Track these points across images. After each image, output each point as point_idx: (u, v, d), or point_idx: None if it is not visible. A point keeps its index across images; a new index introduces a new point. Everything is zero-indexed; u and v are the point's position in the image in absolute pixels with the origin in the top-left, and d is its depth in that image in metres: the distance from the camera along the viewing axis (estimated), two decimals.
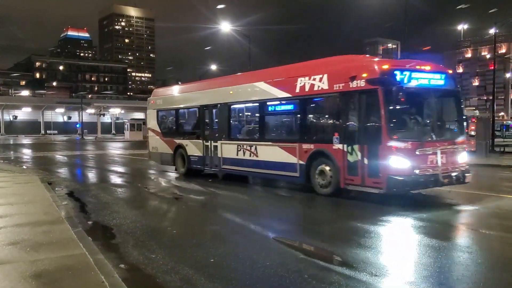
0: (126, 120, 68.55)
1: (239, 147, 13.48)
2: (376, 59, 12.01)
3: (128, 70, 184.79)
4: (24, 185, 12.49)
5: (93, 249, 6.02)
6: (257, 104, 13.16)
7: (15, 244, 6.17)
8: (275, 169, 12.19)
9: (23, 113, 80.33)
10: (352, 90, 10.09)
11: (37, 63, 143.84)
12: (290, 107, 12.49)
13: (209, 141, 14.78)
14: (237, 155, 13.51)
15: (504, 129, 49.06)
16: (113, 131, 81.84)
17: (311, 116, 11.94)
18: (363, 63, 10.77)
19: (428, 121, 10.26)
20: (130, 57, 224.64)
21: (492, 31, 37.64)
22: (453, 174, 9.84)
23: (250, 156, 13.03)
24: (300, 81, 11.48)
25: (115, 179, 16.25)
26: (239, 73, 14.73)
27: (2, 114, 74.66)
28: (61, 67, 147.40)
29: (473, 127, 30.41)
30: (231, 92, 14.04)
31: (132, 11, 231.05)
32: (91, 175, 18.30)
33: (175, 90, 18.13)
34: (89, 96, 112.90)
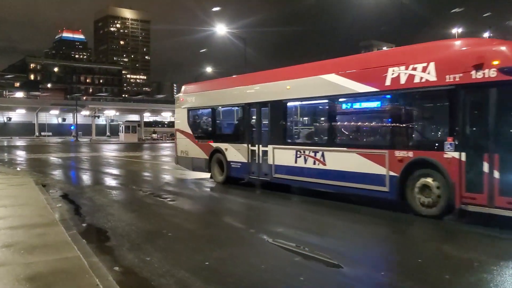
0: (121, 122, 68.31)
1: (298, 153, 11.31)
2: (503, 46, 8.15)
3: (123, 72, 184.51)
4: (18, 187, 12.41)
5: (88, 251, 5.98)
6: (326, 101, 10.96)
7: (9, 247, 6.12)
8: (351, 181, 9.96)
9: (17, 115, 79.93)
10: (475, 82, 7.91)
11: (31, 65, 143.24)
12: (375, 104, 10.10)
13: (257, 145, 12.78)
14: (295, 162, 11.37)
15: None
16: (108, 133, 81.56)
17: (409, 115, 9.55)
18: (491, 47, 8.17)
19: None
20: (125, 59, 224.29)
21: (486, 34, 37.88)
22: None
23: (314, 164, 10.88)
24: (392, 72, 9.25)
25: (110, 182, 16.17)
26: (297, 65, 12.43)
27: None
28: (55, 69, 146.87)
29: None
30: (288, 87, 11.75)
31: (127, 13, 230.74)
32: (86, 177, 18.20)
33: (211, 85, 15.94)
34: (84, 98, 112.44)
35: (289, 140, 11.99)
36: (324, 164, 10.67)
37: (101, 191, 13.08)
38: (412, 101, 9.40)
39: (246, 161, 13.03)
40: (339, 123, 10.88)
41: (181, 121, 16.19)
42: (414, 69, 8.90)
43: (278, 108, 12.06)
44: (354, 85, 10.03)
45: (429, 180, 8.61)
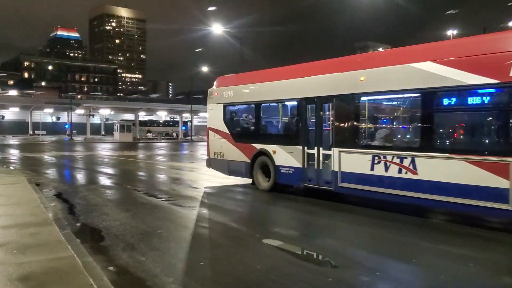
0: (116, 121, 68.03)
1: (376, 158, 9.39)
2: None
3: (118, 71, 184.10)
4: (11, 186, 12.29)
5: (82, 251, 5.92)
6: (418, 95, 8.93)
7: (1, 246, 6.05)
8: (454, 195, 8.13)
9: (11, 113, 79.35)
10: None
11: (25, 63, 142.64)
12: (494, 99, 8.15)
13: (315, 148, 10.93)
14: (371, 169, 9.47)
15: None
16: (103, 132, 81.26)
17: None
18: None
19: None
20: (121, 58, 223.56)
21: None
22: None
23: (399, 173, 8.92)
24: None
25: (105, 181, 16.06)
26: (374, 52, 9.92)
27: None
28: (50, 67, 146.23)
29: None
30: (361, 79, 9.79)
31: (123, 12, 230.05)
32: (80, 177, 18.08)
33: (255, 77, 13.64)
34: (79, 96, 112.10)
35: (362, 143, 10.01)
36: (415, 173, 8.68)
37: (95, 190, 12.98)
38: None
39: (300, 166, 11.25)
40: (439, 123, 8.83)
41: (215, 118, 14.30)
42: None
43: (347, 103, 10.20)
44: (462, 76, 8.14)
45: None
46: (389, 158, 9.19)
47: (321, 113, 10.98)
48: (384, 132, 9.92)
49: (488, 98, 8.17)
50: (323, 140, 10.85)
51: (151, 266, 5.75)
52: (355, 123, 10.10)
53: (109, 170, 20.17)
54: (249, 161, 12.86)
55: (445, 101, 8.62)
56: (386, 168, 9.21)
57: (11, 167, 20.10)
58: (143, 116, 79.89)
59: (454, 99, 8.56)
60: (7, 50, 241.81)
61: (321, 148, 10.83)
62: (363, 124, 10.24)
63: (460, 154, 8.13)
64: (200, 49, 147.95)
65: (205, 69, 69.40)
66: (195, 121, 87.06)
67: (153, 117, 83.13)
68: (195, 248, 6.71)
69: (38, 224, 7.40)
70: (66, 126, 73.86)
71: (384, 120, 10.55)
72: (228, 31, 35.76)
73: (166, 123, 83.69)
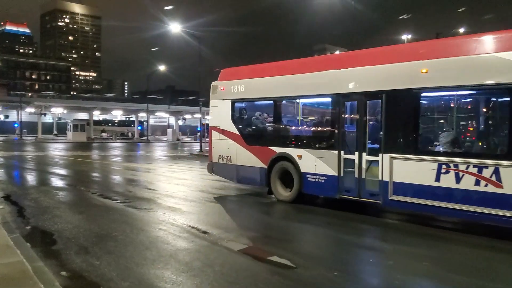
0: (69, 121, 65.86)
1: (443, 167, 7.83)
2: None
3: (71, 68, 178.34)
4: None
5: (32, 256, 5.70)
6: (506, 89, 7.33)
7: None
8: None
9: None
10: None
11: None
12: None
13: (357, 153, 9.29)
14: (436, 180, 7.91)
15: None
16: (55, 132, 78.44)
17: None
18: None
19: None
20: (74, 55, 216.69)
21: None
22: None
23: (477, 184, 7.43)
24: None
25: (57, 182, 15.50)
26: (439, 39, 8.42)
27: None
28: None
29: None
30: (423, 71, 8.20)
31: (77, 8, 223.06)
32: (31, 178, 17.37)
33: (273, 69, 11.58)
34: (29, 94, 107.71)
35: (424, 148, 8.48)
36: (499, 186, 7.21)
37: (47, 192, 12.51)
38: None
39: (335, 174, 9.64)
40: None
41: (221, 116, 12.45)
42: None
43: (403, 100, 8.56)
44: None
45: None
46: (462, 167, 7.62)
47: (365, 112, 9.27)
48: (454, 136, 8.31)
49: None
50: (367, 144, 9.24)
51: (106, 270, 5.61)
52: (414, 124, 8.39)
53: (62, 171, 19.49)
54: (265, 166, 11.14)
55: None
56: (458, 180, 7.67)
57: None
58: (97, 115, 77.81)
59: None
60: None
61: (364, 154, 9.14)
62: (425, 125, 8.77)
63: None
64: (156, 48, 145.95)
65: (162, 68, 68.51)
66: (152, 121, 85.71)
67: (108, 117, 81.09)
68: (153, 251, 6.59)
69: None
70: (15, 125, 70.81)
71: (454, 121, 8.64)
72: (186, 30, 35.41)
73: (121, 123, 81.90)
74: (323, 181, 9.92)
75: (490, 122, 8.51)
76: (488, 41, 7.66)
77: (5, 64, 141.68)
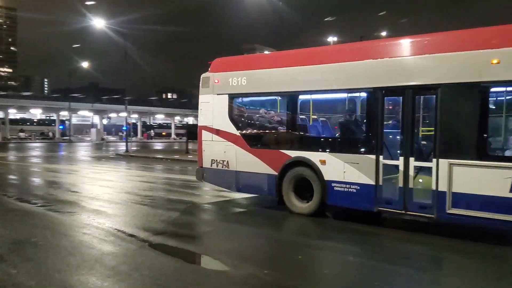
0: None
1: None
2: None
3: None
4: None
5: None
6: None
7: None
8: None
9: None
10: None
11: None
12: None
13: (402, 158, 7.89)
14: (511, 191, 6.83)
15: None
16: None
17: None
18: None
19: None
20: None
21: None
22: None
23: None
24: None
25: None
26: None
27: None
28: None
29: None
30: (494, 61, 6.96)
31: None
32: None
33: (283, 59, 10.09)
34: None
35: (496, 153, 7.41)
36: None
37: None
38: None
39: (371, 182, 8.23)
40: None
41: (214, 114, 10.67)
42: None
43: (468, 96, 7.32)
44: None
45: None
46: None
47: (413, 109, 7.92)
48: None
49: None
50: (416, 147, 8.04)
51: (23, 279, 5.28)
52: (482, 124, 7.14)
53: None
54: (275, 173, 9.56)
55: None
56: None
57: None
58: (14, 114, 72.93)
59: None
60: None
61: (411, 159, 7.79)
62: (496, 125, 7.45)
63: None
64: (78, 45, 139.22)
65: (85, 64, 65.60)
66: (74, 120, 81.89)
67: (26, 115, 76.26)
68: (76, 257, 6.30)
69: None
70: None
71: None
72: (111, 27, 34.19)
73: (41, 122, 77.44)
74: (355, 190, 8.47)
75: None
76: None
77: None
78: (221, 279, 5.53)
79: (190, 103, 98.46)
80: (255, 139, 10.17)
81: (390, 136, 8.47)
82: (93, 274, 5.54)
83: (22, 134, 64.22)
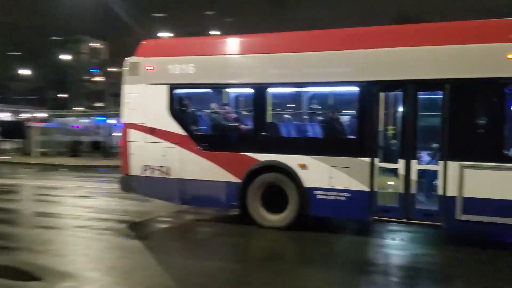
0: None
1: None
2: None
3: None
4: None
5: None
6: None
7: None
8: None
9: None
10: None
11: None
12: None
13: (403, 160, 6.97)
14: None
15: None
16: None
17: None
18: None
19: None
20: None
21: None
22: None
23: None
24: None
25: None
26: None
27: None
28: None
29: None
30: (509, 57, 6.41)
31: None
32: None
33: (251, 44, 8.30)
34: None
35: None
36: None
37: None
38: None
39: (365, 189, 7.15)
40: None
41: (148, 109, 8.43)
42: None
43: (477, 93, 6.76)
44: None
45: None
46: None
47: (416, 106, 7.01)
48: None
49: None
50: (419, 148, 7.24)
51: None
52: (498, 123, 6.58)
53: None
54: (238, 181, 7.84)
55: None
56: None
57: None
58: None
59: None
60: None
61: (413, 161, 6.94)
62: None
63: None
64: None
65: None
66: None
67: None
68: None
69: None
70: None
71: None
72: None
73: None
74: (344, 198, 7.28)
75: None
76: None
77: None
78: None
79: None
80: (210, 141, 8.27)
81: (388, 136, 7.63)
82: None
83: None
